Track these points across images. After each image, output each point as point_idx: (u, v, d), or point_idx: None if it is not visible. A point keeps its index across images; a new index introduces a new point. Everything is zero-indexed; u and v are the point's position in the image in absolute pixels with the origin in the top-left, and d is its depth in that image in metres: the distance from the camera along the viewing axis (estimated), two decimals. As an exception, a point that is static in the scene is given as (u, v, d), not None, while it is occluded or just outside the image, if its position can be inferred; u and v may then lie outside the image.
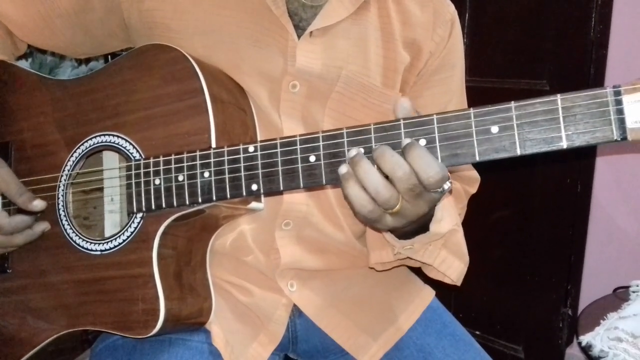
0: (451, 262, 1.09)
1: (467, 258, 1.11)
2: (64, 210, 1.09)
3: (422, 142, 0.84)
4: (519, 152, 0.80)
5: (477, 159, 0.82)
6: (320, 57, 1.09)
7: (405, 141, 0.83)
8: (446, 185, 0.85)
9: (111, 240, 1.03)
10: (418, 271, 1.22)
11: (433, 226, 0.99)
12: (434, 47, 1.15)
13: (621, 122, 0.76)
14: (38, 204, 1.08)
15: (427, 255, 1.07)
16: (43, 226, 1.10)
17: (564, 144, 0.78)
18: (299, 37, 1.08)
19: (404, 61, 1.14)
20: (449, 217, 1.01)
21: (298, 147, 0.90)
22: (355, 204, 0.85)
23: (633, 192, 2.08)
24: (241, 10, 1.08)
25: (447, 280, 1.12)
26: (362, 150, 0.85)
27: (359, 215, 0.87)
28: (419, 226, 0.99)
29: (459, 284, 1.13)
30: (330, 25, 1.09)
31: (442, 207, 0.99)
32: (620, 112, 0.75)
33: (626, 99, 0.75)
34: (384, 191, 0.83)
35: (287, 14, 1.07)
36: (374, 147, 0.85)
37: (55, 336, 1.08)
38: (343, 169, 0.85)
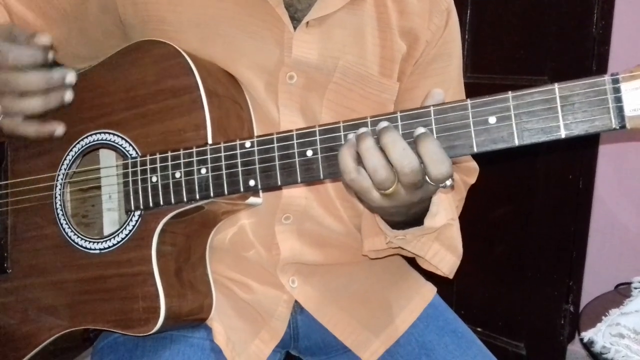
0: (443, 255, 1.08)
1: (460, 252, 1.11)
2: (61, 210, 1.09)
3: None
4: (517, 142, 0.80)
5: (475, 150, 0.82)
6: (316, 47, 1.09)
7: (419, 130, 0.82)
8: (448, 182, 0.84)
9: (110, 239, 1.03)
10: (420, 268, 1.21)
11: (427, 220, 0.99)
12: (431, 36, 1.15)
13: (620, 110, 0.75)
14: (43, 37, 1.00)
15: (419, 247, 1.06)
16: (55, 126, 1.05)
17: (563, 133, 0.78)
18: (294, 28, 1.08)
19: (401, 50, 1.13)
20: (444, 212, 1.01)
21: (295, 141, 0.90)
22: (340, 167, 0.84)
23: (635, 189, 2.08)
24: (236, 2, 1.07)
25: (439, 273, 1.12)
26: (369, 130, 0.84)
27: (343, 182, 0.87)
28: (413, 219, 0.99)
29: (451, 277, 1.12)
30: (326, 15, 1.08)
31: (438, 201, 0.98)
32: (618, 100, 0.75)
33: (624, 87, 0.75)
34: (383, 172, 0.82)
35: (282, 5, 1.07)
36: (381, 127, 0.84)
37: (56, 335, 1.07)
38: (349, 135, 0.85)
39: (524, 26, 2.16)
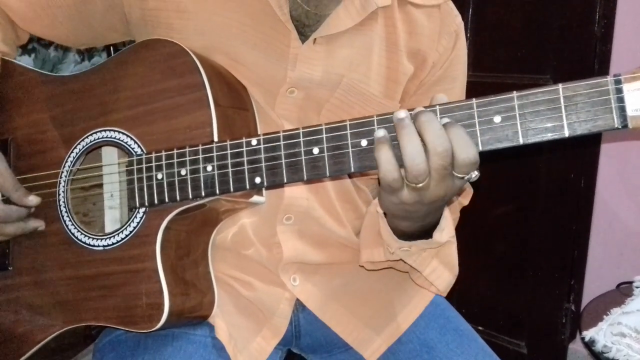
0: (441, 272, 1.09)
1: (456, 271, 1.11)
2: (65, 207, 1.09)
3: None
4: (521, 141, 0.81)
5: (480, 148, 0.82)
6: (321, 64, 1.09)
7: (444, 120, 0.83)
8: (474, 174, 0.85)
9: (113, 236, 1.03)
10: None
11: (436, 234, 1.00)
12: (437, 58, 1.15)
13: (622, 110, 0.77)
14: (33, 199, 1.10)
15: (419, 261, 1.07)
16: (37, 223, 1.11)
17: (566, 133, 0.79)
18: (301, 43, 1.08)
19: (407, 72, 1.13)
20: (447, 229, 1.02)
21: (301, 140, 0.91)
22: (382, 168, 0.84)
23: (636, 187, 2.08)
24: (243, 14, 1.07)
25: (432, 290, 1.13)
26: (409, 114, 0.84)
27: (382, 181, 0.86)
28: (421, 231, 1.00)
29: (444, 294, 1.14)
30: (334, 34, 1.08)
31: (445, 217, 1.00)
32: (620, 100, 0.77)
33: (626, 88, 0.76)
34: (422, 164, 0.82)
35: (290, 20, 1.07)
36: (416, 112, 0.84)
37: (57, 332, 1.08)
38: (380, 132, 0.84)
39: (526, 24, 2.16)
